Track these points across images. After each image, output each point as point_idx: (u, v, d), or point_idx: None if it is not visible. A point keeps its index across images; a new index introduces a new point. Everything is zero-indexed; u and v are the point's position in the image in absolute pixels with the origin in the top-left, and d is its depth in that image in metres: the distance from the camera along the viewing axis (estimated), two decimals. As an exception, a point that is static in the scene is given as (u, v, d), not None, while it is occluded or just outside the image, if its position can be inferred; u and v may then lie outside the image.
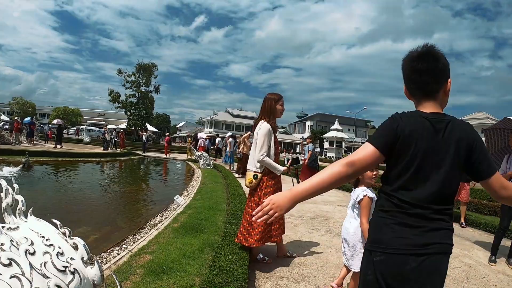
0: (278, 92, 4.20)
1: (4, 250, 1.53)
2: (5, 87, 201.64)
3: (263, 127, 3.99)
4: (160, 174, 17.53)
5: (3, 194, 2.08)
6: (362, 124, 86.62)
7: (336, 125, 53.22)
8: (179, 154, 30.49)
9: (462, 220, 7.13)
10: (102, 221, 6.51)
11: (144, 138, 29.37)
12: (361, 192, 3.07)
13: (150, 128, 46.83)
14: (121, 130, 34.34)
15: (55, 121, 30.22)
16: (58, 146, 22.41)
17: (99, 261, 3.54)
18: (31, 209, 2.12)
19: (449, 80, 1.61)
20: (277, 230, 4.17)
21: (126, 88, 45.86)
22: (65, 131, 29.01)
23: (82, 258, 2.03)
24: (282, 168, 4.00)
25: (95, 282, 2.03)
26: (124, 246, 4.65)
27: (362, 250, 2.29)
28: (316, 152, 13.99)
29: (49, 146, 21.44)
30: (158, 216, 6.87)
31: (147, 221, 6.43)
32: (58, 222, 2.12)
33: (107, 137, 26.84)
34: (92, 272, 2.02)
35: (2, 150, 16.20)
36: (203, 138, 24.47)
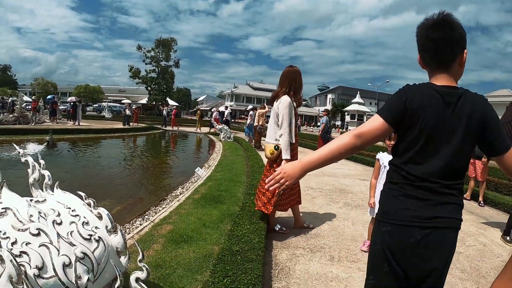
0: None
1: (33, 221, 1.65)
2: (26, 69, 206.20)
3: (283, 100, 3.98)
4: (181, 148, 17.84)
5: (30, 170, 2.21)
6: (384, 98, 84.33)
7: (357, 98, 52.42)
8: (188, 127, 30.68)
9: (481, 198, 6.93)
10: (125, 194, 6.76)
11: (164, 112, 29.58)
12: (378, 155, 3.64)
13: (171, 102, 47.14)
14: (136, 106, 34.41)
15: (69, 99, 30.54)
16: (72, 123, 22.66)
17: (122, 230, 3.75)
18: (57, 182, 2.25)
19: (465, 51, 1.55)
20: (289, 198, 4.23)
21: (146, 64, 46.18)
22: (88, 108, 29.07)
23: (106, 227, 2.15)
24: (288, 157, 3.93)
25: (119, 249, 2.16)
26: (146, 217, 4.84)
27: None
28: (330, 124, 14.15)
29: (72, 124, 21.85)
30: (179, 188, 7.06)
31: (169, 193, 6.64)
32: (83, 194, 2.24)
33: (128, 112, 27.10)
34: (115, 240, 2.15)
35: (26, 129, 16.59)
36: (217, 111, 24.68)
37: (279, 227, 4.38)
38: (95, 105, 52.24)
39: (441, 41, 1.52)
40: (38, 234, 1.60)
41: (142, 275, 2.12)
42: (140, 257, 2.14)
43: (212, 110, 27.25)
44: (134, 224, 4.50)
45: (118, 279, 1.83)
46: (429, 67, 1.61)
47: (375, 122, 1.56)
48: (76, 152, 12.91)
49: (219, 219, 4.45)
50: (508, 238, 4.71)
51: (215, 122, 21.85)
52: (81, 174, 8.58)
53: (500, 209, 6.56)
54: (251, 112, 16.47)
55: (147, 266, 2.14)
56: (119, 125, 24.58)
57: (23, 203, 1.75)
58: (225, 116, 23.01)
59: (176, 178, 8.81)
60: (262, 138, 14.96)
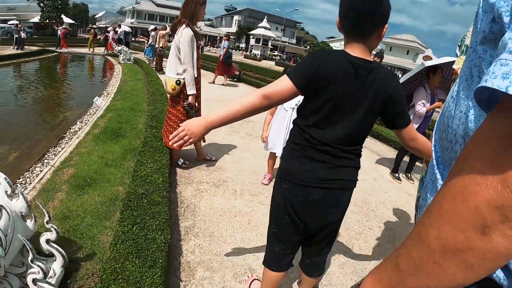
0: None
1: None
2: None
3: (185, 33, 3.84)
4: (79, 73, 16.16)
5: None
6: (291, 24, 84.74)
7: (264, 23, 51.79)
8: (84, 48, 27.26)
9: None
10: (20, 136, 6.22)
11: (59, 32, 25.92)
12: None
13: (67, 20, 41.29)
14: (64, 27, 29.28)
15: None
16: None
17: (23, 186, 3.63)
18: None
19: (386, 25, 1.56)
20: None
21: (36, -23, 39.07)
22: None
23: (6, 192, 2.09)
24: (194, 92, 3.99)
25: (23, 213, 2.15)
26: (46, 161, 4.63)
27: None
28: (231, 49, 14.15)
29: None
30: (78, 123, 6.73)
31: (67, 129, 6.31)
32: (-27, 161, 2.13)
33: (23, 34, 23.03)
34: (18, 205, 2.12)
35: None
36: (113, 31, 22.73)
37: (182, 161, 4.53)
38: None
39: (365, 14, 1.49)
40: None
41: (51, 236, 2.17)
42: (46, 218, 2.15)
43: (108, 29, 24.74)
44: (34, 171, 4.30)
45: (30, 252, 1.88)
46: (347, 34, 1.60)
47: (284, 84, 1.57)
48: None
49: (121, 156, 4.47)
50: (396, 175, 5.31)
51: (114, 43, 20.15)
52: None
53: (391, 146, 7.17)
54: (152, 33, 15.50)
55: (55, 227, 2.18)
56: (8, 51, 20.91)
57: None
58: (117, 35, 21.45)
59: (74, 110, 8.26)
60: (164, 60, 14.43)
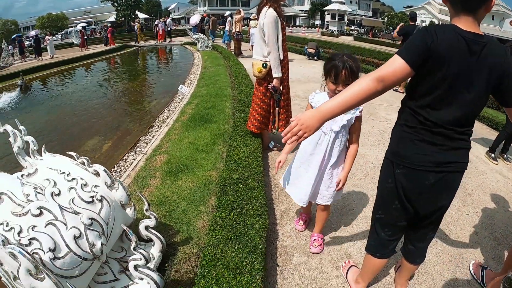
0: None
1: (31, 200, 1.60)
2: None
3: (268, 15, 3.67)
4: (160, 64, 17.05)
5: (11, 139, 2.09)
6: None
7: None
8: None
9: None
10: (111, 127, 6.63)
11: (136, 28, 27.77)
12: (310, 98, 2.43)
13: (141, 15, 43.81)
14: (108, 25, 31.73)
15: (31, 33, 27.78)
16: (38, 58, 20.87)
17: (120, 177, 3.74)
18: (43, 146, 2.15)
19: None
20: (283, 115, 4.20)
21: (109, -22, 41.94)
22: (55, 38, 26.31)
23: (106, 183, 2.12)
24: (279, 75, 3.82)
25: (123, 202, 2.17)
26: (138, 149, 4.80)
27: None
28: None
29: (46, 59, 19.84)
30: (166, 111, 6.94)
31: (155, 118, 6.54)
32: (74, 153, 2.16)
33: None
34: (118, 194, 2.14)
35: None
36: (161, 21, 24.83)
37: (273, 144, 4.41)
38: (61, 34, 48.00)
39: None
40: (40, 214, 1.57)
41: (150, 223, 2.17)
42: (146, 206, 2.16)
43: (156, 22, 26.58)
44: (128, 160, 4.48)
45: (133, 240, 1.84)
46: (454, 6, 1.47)
47: (396, 64, 1.44)
48: (51, 91, 11.98)
49: (211, 141, 4.45)
50: (492, 155, 4.78)
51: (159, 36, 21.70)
52: (62, 116, 8.12)
53: (484, 123, 6.49)
54: (228, 19, 15.64)
55: (154, 214, 2.18)
56: (90, 50, 22.79)
57: (15, 183, 1.68)
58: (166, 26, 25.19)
59: (160, 99, 8.61)
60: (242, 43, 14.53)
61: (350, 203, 3.27)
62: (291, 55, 13.14)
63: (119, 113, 7.86)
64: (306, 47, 13.80)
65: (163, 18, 30.91)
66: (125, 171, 3.97)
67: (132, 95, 9.84)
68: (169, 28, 27.30)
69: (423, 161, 1.56)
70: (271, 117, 4.12)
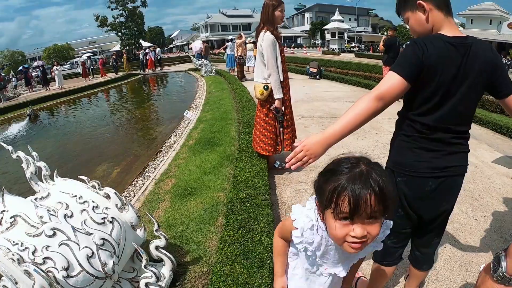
0: None
1: (45, 222, 1.65)
2: None
3: (266, 38, 3.82)
4: (166, 90, 17.42)
5: (24, 165, 2.17)
6: (364, 13, 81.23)
7: (336, 16, 51.24)
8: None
9: None
10: (120, 153, 6.76)
11: (141, 56, 28.58)
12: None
13: (145, 43, 44.88)
14: (100, 57, 32.85)
15: (35, 64, 28.95)
16: (45, 89, 21.34)
17: (130, 201, 3.80)
18: (55, 171, 2.22)
19: None
20: (287, 134, 4.25)
21: (112, 9, 43.04)
22: (61, 67, 27.25)
23: (116, 205, 2.18)
24: (280, 96, 3.92)
25: (133, 223, 2.21)
26: (146, 174, 4.87)
27: None
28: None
29: (53, 89, 20.32)
30: (172, 136, 7.04)
31: (163, 143, 6.63)
32: (85, 178, 2.23)
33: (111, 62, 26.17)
34: (128, 216, 2.19)
35: (4, 109, 14.99)
36: (149, 49, 27.10)
37: (278, 163, 4.46)
38: (67, 64, 49.26)
39: None
40: (54, 234, 1.62)
41: (160, 243, 2.22)
42: (155, 227, 2.22)
43: (146, 51, 27.93)
44: (137, 184, 4.55)
45: (143, 259, 1.89)
46: (443, 12, 1.54)
47: (393, 80, 1.48)
48: (60, 119, 12.37)
49: (218, 163, 4.50)
50: None
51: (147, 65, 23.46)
52: (72, 143, 8.37)
53: (489, 128, 6.47)
54: (229, 43, 15.97)
55: (164, 234, 2.22)
56: (97, 80, 23.37)
57: (29, 206, 1.74)
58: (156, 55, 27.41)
59: (167, 125, 8.76)
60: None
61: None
62: (294, 76, 13.37)
63: (127, 139, 8.03)
64: (308, 67, 14.03)
65: (152, 47, 31.88)
66: (134, 195, 4.02)
67: (138, 122, 10.05)
68: (158, 57, 28.55)
69: (422, 168, 1.60)
70: (278, 139, 4.18)
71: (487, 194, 3.78)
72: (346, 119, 1.47)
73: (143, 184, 4.42)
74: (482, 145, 5.48)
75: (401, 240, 1.88)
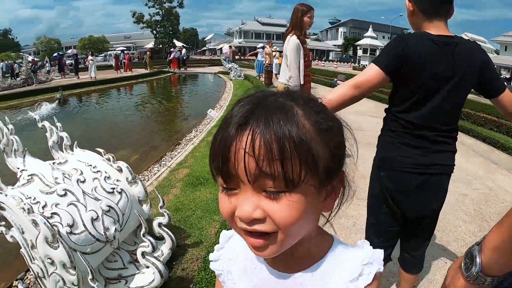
0: (308, 4, 4.05)
1: (59, 183, 1.80)
2: (28, 29, 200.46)
3: (291, 41, 3.91)
4: (193, 89, 17.73)
5: (48, 134, 2.34)
6: (397, 32, 79.86)
7: (370, 32, 50.87)
8: (195, 67, 30.05)
9: None
10: (141, 142, 7.00)
11: (173, 55, 29.23)
12: None
13: (178, 44, 45.82)
14: (127, 52, 33.58)
15: (69, 51, 30.11)
16: (77, 77, 22.09)
17: (142, 179, 3.96)
18: (75, 142, 2.38)
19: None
20: None
21: (149, 7, 44.21)
22: (95, 58, 28.20)
23: (127, 178, 2.32)
24: None
25: (140, 198, 2.35)
26: (163, 162, 5.03)
27: None
28: None
29: (83, 77, 21.06)
30: (193, 131, 7.21)
31: (183, 137, 6.82)
32: (102, 150, 2.38)
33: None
34: (136, 190, 2.33)
35: (36, 90, 15.85)
36: (176, 49, 27.17)
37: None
38: (100, 56, 50.80)
39: None
40: (65, 195, 1.76)
41: (163, 220, 2.33)
42: (160, 203, 2.33)
43: (171, 50, 28.62)
44: (152, 170, 4.71)
45: (143, 226, 2.00)
46: (427, 14, 1.57)
47: (371, 71, 1.55)
48: (88, 106, 12.85)
49: (233, 160, 4.60)
50: None
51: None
52: (95, 128, 8.73)
53: (510, 154, 6.30)
54: (260, 50, 16.15)
55: (167, 212, 2.33)
56: (127, 74, 24.01)
57: (46, 167, 1.90)
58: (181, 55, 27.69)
59: (189, 121, 8.99)
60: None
61: (360, 222, 3.31)
62: (321, 87, 13.37)
63: (149, 131, 8.27)
64: (335, 79, 14.00)
65: (178, 47, 32.43)
66: (148, 180, 4.19)
67: (163, 116, 10.35)
68: (184, 57, 28.93)
69: (405, 163, 1.60)
70: None
71: (498, 217, 3.71)
72: (326, 101, 1.56)
73: (158, 170, 4.59)
74: (501, 170, 5.38)
75: (388, 239, 1.87)
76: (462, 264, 0.81)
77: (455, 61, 1.49)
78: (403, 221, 1.80)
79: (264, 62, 14.70)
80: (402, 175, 1.63)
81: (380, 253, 0.66)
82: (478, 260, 0.75)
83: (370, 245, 1.73)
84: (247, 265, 0.69)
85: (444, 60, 1.49)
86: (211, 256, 0.80)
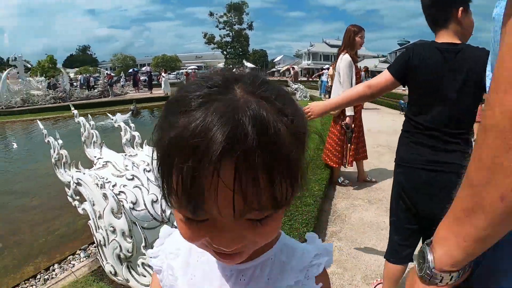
0: (359, 25, 4.26)
1: (128, 170, 2.18)
2: (104, 47, 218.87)
3: (344, 59, 4.14)
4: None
5: (122, 132, 2.78)
6: None
7: None
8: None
9: None
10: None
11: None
12: None
13: (248, 64, 47.49)
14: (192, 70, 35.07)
15: (143, 69, 32.61)
16: (150, 92, 23.50)
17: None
18: (145, 140, 2.80)
19: (460, 8, 1.63)
20: (352, 151, 4.46)
21: (220, 29, 46.77)
22: (168, 75, 30.12)
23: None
24: (351, 113, 4.18)
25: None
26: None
27: None
28: None
29: (156, 93, 22.32)
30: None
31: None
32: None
33: None
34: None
35: (112, 101, 18.08)
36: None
37: (342, 179, 4.64)
38: (172, 74, 53.98)
39: (430, 3, 1.73)
40: (132, 179, 2.14)
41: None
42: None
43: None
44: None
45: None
46: (432, 27, 1.77)
47: (383, 76, 1.83)
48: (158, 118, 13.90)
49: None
50: None
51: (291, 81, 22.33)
52: None
53: None
54: (324, 71, 16.36)
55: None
56: None
57: (119, 158, 2.30)
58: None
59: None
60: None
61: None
62: (384, 109, 13.16)
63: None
64: (401, 101, 13.69)
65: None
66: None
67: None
68: None
69: (416, 160, 1.73)
70: (344, 152, 4.43)
71: None
72: (343, 96, 2.03)
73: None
74: None
75: (407, 238, 1.92)
76: (416, 265, 0.74)
77: (458, 66, 1.61)
78: (420, 220, 1.85)
79: (327, 84, 14.80)
80: (413, 172, 1.76)
81: (329, 246, 0.67)
82: (430, 257, 0.70)
83: (391, 242, 1.87)
84: (189, 261, 0.65)
85: (446, 66, 1.63)
86: (150, 253, 0.74)
